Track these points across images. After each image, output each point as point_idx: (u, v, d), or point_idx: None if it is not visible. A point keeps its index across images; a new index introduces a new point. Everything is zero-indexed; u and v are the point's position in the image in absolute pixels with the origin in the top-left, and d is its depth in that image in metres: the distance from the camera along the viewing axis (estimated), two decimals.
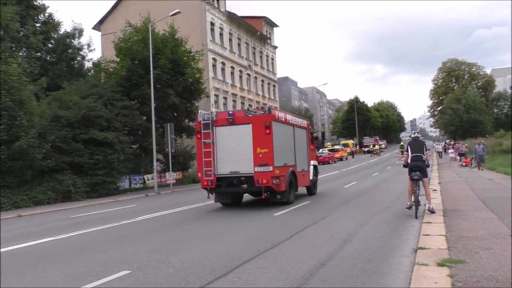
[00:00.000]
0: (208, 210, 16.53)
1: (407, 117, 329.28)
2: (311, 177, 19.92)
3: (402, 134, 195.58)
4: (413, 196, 12.04)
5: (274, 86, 65.92)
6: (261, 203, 17.42)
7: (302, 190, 20.85)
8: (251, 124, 16.09)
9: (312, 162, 20.45)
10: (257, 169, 15.88)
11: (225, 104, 50.13)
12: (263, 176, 15.82)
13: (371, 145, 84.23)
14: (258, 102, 58.46)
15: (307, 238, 9.99)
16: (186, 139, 38.07)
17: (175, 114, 35.80)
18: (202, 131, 16.67)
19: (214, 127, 16.60)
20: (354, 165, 48.14)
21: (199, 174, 16.76)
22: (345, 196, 18.87)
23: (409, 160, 12.24)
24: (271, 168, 15.80)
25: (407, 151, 12.38)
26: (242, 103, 54.51)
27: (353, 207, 15.33)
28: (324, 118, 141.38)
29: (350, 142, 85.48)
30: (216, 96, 48.33)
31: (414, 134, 12.81)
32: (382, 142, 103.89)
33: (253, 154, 15.99)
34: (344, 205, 15.99)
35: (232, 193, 17.17)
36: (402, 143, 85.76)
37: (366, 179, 28.15)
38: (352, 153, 76.50)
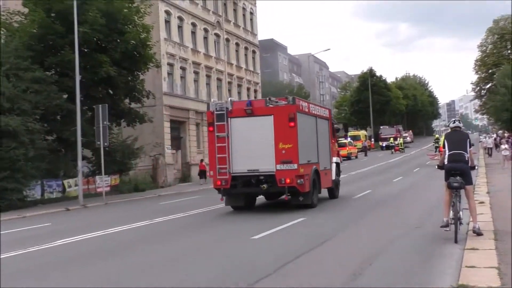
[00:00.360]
0: (174, 228, 16.44)
1: (443, 99, 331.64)
2: (333, 177, 24.22)
3: (436, 123, 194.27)
4: (451, 211, 12.04)
5: (254, 52, 66.08)
6: (276, 207, 21.50)
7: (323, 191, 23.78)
8: (272, 116, 19.78)
9: (334, 159, 24.83)
10: (280, 166, 19.65)
11: (183, 77, 49.99)
12: (287, 175, 19.63)
13: (392, 138, 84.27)
14: (231, 75, 58.64)
15: (300, 270, 10.00)
16: (125, 128, 38.07)
17: (111, 91, 35.69)
18: (215, 123, 20.29)
19: (229, 119, 20.29)
20: (368, 167, 48.26)
21: (211, 173, 20.71)
22: (356, 210, 19.53)
23: (445, 160, 12.36)
24: (295, 166, 19.59)
25: (444, 147, 12.57)
26: (208, 76, 54.50)
27: (366, 225, 15.67)
28: (325, 99, 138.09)
29: (362, 133, 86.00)
30: (171, 66, 48.10)
31: (453, 123, 12.90)
32: (406, 134, 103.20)
33: (274, 149, 19.74)
34: (354, 223, 16.37)
35: (247, 194, 21.39)
36: (436, 135, 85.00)
37: (384, 186, 28.38)
38: (364, 149, 77.35)
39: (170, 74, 48.17)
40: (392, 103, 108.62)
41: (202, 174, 43.79)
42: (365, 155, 75.04)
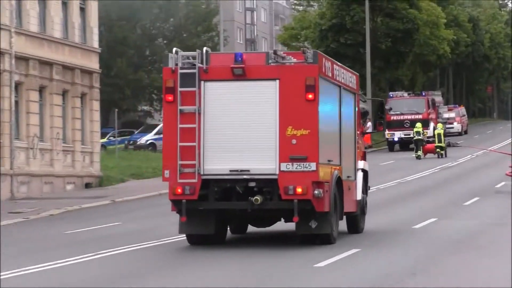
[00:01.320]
0: None
1: None
2: (358, 196, 16.31)
3: None
4: None
5: None
6: (268, 241, 15.35)
7: None
8: (277, 81, 13.35)
9: (361, 164, 17.09)
10: (287, 166, 13.19)
11: None
12: (298, 181, 13.09)
13: (418, 124, 46.18)
14: None
15: None
16: None
17: None
18: (179, 89, 13.49)
19: (202, 83, 13.52)
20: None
21: (166, 173, 13.62)
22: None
23: None
24: (313, 166, 13.13)
25: None
26: None
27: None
28: (254, 30, 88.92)
29: None
30: None
31: None
32: (453, 114, 64.92)
33: (279, 138, 13.28)
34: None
35: (223, 214, 14.12)
36: None
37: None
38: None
39: None
40: (421, 38, 65.29)
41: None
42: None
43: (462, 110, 70.81)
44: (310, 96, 13.15)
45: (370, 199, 18.89)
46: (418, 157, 44.53)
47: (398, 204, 24.50)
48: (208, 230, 13.88)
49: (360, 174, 16.74)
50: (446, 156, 44.64)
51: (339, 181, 14.45)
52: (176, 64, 13.52)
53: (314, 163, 13.10)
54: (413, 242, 15.13)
